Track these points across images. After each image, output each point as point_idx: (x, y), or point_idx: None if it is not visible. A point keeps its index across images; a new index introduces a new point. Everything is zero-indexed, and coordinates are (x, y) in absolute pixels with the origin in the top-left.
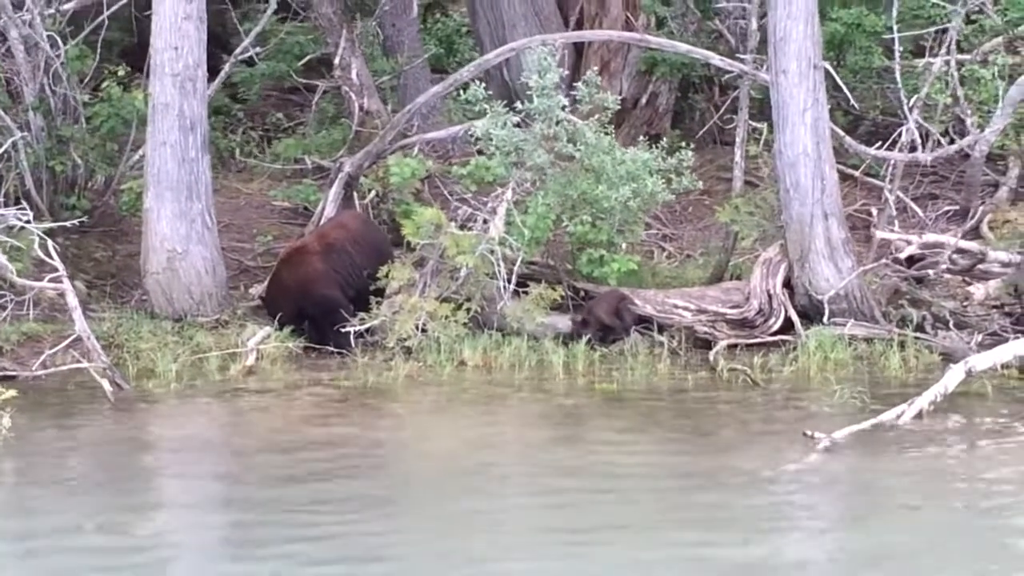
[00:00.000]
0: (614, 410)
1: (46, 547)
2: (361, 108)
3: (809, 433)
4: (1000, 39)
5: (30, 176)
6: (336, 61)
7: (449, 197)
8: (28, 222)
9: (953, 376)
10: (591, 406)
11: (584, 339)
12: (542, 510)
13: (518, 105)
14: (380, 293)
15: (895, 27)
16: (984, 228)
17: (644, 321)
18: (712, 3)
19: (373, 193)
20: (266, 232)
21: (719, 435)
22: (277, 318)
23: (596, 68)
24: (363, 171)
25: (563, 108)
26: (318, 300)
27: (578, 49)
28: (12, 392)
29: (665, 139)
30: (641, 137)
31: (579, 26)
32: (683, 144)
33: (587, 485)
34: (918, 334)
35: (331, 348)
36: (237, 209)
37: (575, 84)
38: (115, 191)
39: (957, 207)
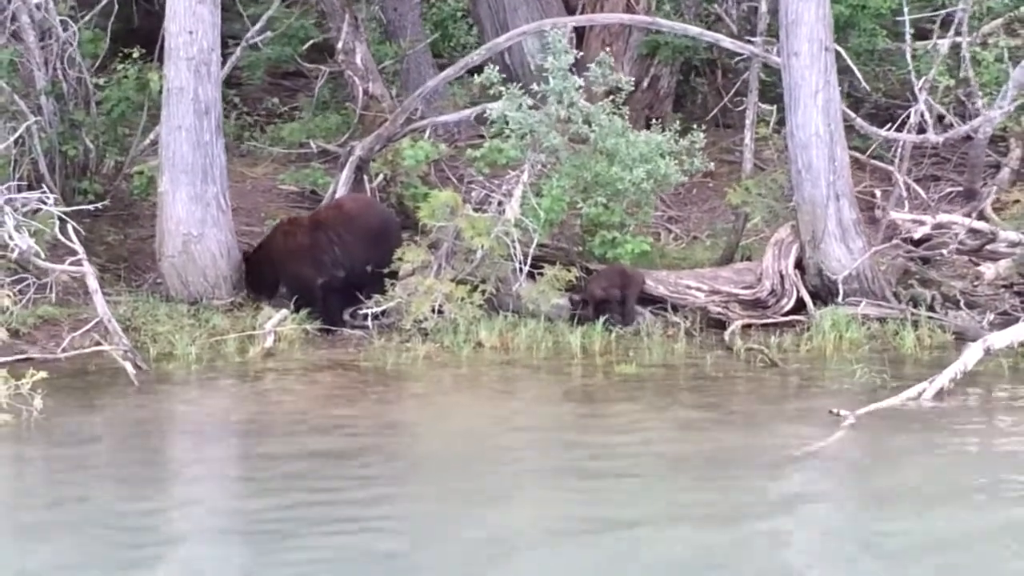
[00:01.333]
0: (635, 390)
1: (76, 528)
2: (366, 92)
3: (835, 411)
4: (999, 21)
5: (43, 160)
6: (339, 46)
7: (455, 181)
8: (51, 205)
9: (972, 354)
10: (611, 386)
11: (582, 316)
12: (567, 488)
13: (533, 87)
14: (395, 275)
15: (905, 9)
16: (988, 209)
17: (657, 301)
18: None
19: (381, 176)
20: (274, 216)
21: (743, 414)
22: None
23: (599, 51)
24: (374, 155)
25: (577, 89)
26: (291, 275)
27: (579, 33)
28: (43, 373)
29: (674, 122)
30: (655, 120)
31: (580, 10)
32: (693, 127)
33: (612, 465)
34: (931, 314)
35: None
36: (244, 193)
37: (583, 67)
38: (126, 175)
39: (959, 188)
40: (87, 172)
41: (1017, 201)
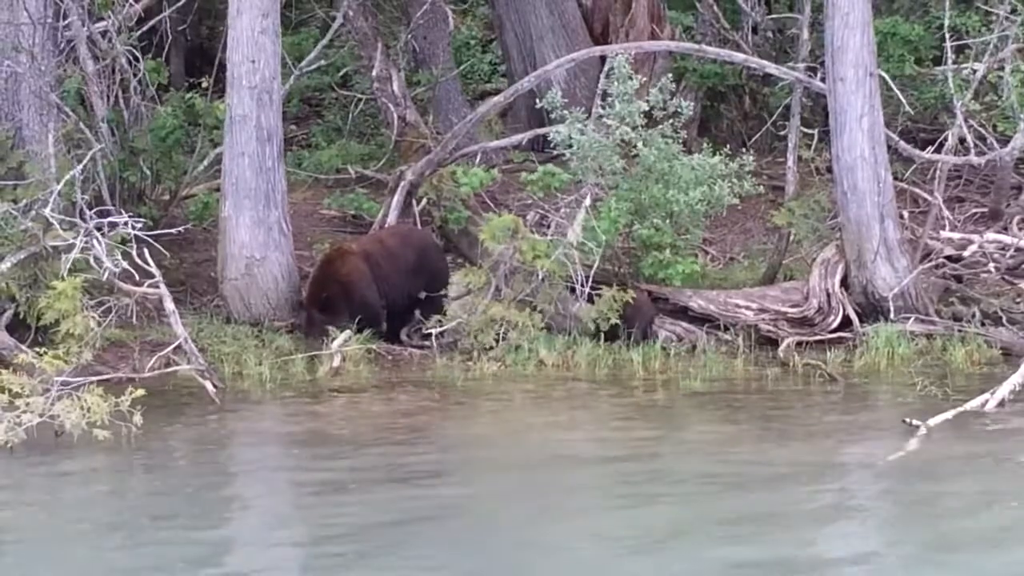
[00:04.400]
0: (705, 405)
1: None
2: (402, 119)
3: (909, 420)
4: (1014, 46)
5: (106, 187)
6: (373, 73)
7: (491, 204)
8: (140, 229)
9: None
10: (681, 402)
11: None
12: (658, 499)
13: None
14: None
15: (947, 36)
16: (1015, 228)
17: (708, 320)
18: (742, 16)
19: (425, 200)
20: (321, 240)
21: (817, 426)
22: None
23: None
24: (423, 180)
25: (641, 114)
26: (359, 301)
27: (603, 59)
28: (141, 391)
29: (724, 146)
30: (706, 144)
31: (604, 38)
32: (741, 151)
33: (702, 478)
34: (978, 330)
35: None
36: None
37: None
38: (181, 200)
39: (984, 209)
40: (143, 198)
41: None
